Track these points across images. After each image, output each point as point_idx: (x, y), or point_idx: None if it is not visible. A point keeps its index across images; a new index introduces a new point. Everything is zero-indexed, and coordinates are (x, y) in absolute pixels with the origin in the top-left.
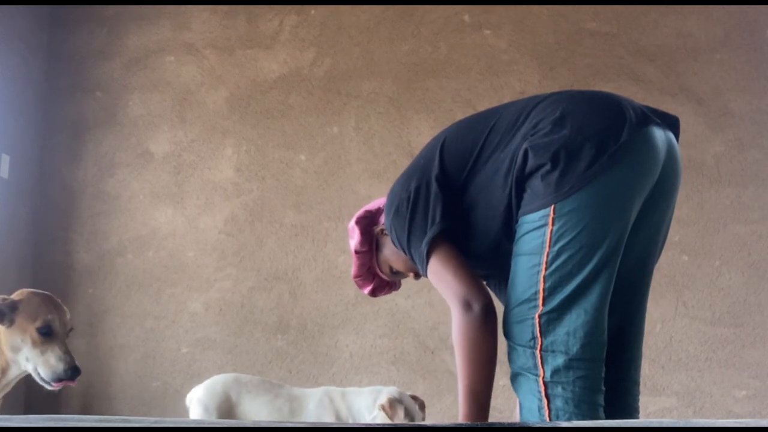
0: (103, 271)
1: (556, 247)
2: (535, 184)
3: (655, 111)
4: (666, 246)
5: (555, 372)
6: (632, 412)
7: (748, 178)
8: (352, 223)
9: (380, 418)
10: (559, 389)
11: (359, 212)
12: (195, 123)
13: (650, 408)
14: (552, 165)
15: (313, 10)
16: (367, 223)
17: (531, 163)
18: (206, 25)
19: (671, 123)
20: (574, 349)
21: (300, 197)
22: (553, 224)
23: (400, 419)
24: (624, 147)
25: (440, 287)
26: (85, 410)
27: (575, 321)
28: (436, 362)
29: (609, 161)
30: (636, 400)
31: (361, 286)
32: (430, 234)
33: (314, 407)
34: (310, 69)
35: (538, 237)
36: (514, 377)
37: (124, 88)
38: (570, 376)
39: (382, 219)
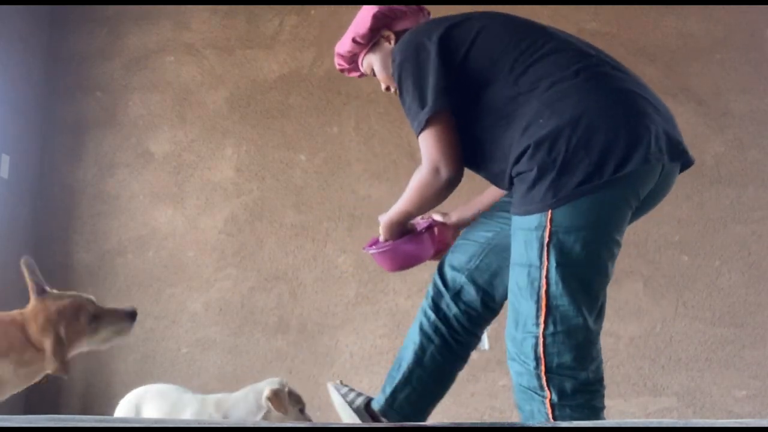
0: (103, 271)
1: (555, 264)
2: (525, 183)
3: (677, 145)
4: (666, 246)
5: (562, 395)
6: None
7: (748, 178)
8: (369, 12)
9: (273, 417)
10: (568, 411)
11: (383, 6)
12: (195, 123)
13: (650, 408)
14: (543, 172)
15: (313, 10)
16: (382, 24)
17: (528, 155)
18: (206, 25)
19: (685, 162)
20: (583, 374)
21: (300, 197)
22: (550, 238)
23: (287, 408)
24: (626, 177)
25: (422, 148)
26: (85, 410)
27: (583, 345)
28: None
29: (605, 185)
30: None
31: (336, 58)
32: (433, 106)
33: (190, 416)
34: (310, 69)
35: (534, 250)
36: (519, 393)
37: (124, 88)
38: (578, 399)
39: (398, 25)
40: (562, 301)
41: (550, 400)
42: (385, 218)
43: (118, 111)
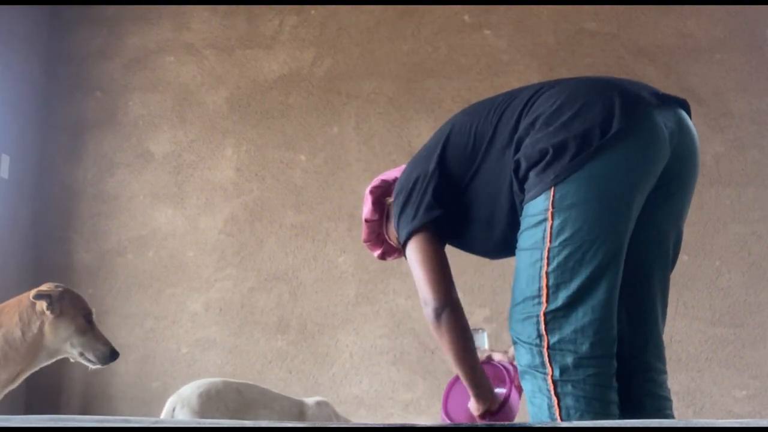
0: (103, 271)
1: (557, 242)
2: (530, 179)
3: (656, 93)
4: None
5: (564, 370)
6: (663, 401)
7: (748, 178)
8: (367, 190)
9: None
10: (569, 387)
11: (375, 181)
12: (195, 123)
13: None
14: (539, 159)
15: (313, 10)
16: (381, 193)
17: (524, 167)
18: (206, 25)
19: (680, 104)
20: (583, 347)
21: (300, 197)
22: (552, 219)
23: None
24: (615, 136)
25: (414, 278)
26: (85, 410)
27: (582, 319)
28: (436, 362)
29: (597, 151)
30: (664, 389)
31: (371, 249)
32: (410, 227)
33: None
34: (310, 69)
35: (538, 232)
36: (522, 375)
37: (124, 88)
38: (580, 374)
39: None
40: (563, 279)
41: (552, 376)
42: (471, 402)
43: (118, 111)
